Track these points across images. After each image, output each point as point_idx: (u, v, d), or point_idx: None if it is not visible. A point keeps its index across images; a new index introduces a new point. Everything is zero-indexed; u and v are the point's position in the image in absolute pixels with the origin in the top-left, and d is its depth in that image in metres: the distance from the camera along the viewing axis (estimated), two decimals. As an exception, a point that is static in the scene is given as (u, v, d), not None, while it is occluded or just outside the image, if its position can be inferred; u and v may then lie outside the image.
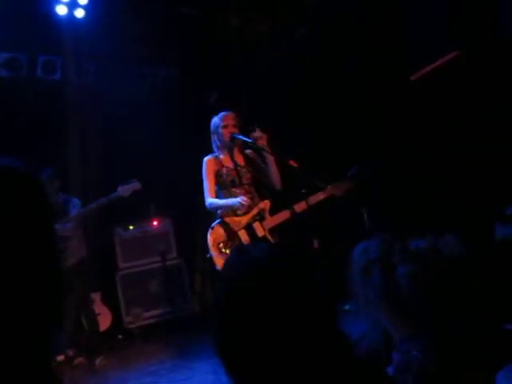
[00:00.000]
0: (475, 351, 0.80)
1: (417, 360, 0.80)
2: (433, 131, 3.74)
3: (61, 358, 4.29)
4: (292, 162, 3.27)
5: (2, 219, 0.74)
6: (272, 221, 3.45)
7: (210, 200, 3.46)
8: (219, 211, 3.49)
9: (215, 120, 3.54)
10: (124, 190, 4.15)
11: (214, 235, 3.43)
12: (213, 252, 3.42)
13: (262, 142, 3.41)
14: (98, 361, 4.24)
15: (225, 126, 3.46)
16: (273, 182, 3.53)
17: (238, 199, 3.30)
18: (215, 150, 3.58)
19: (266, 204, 3.49)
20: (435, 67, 3.67)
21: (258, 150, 3.51)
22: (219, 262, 3.39)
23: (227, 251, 3.39)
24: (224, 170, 3.50)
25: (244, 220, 3.42)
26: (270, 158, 3.46)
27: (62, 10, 4.73)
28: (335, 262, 2.10)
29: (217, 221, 3.48)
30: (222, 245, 3.41)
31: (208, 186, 3.48)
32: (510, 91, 3.37)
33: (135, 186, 4.19)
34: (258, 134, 3.41)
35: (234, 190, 3.47)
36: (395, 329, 0.88)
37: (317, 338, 0.72)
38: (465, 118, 3.54)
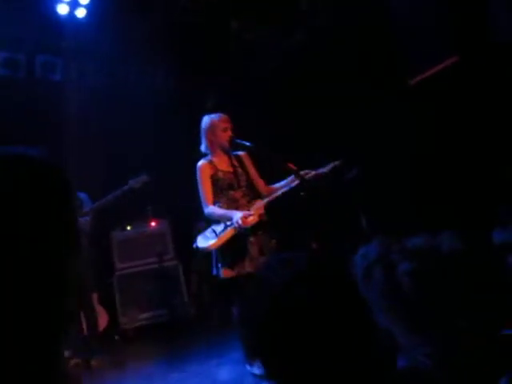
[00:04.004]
0: (482, 356, 0.79)
1: (424, 366, 0.80)
2: (432, 133, 3.76)
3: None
4: (291, 165, 3.26)
5: (23, 215, 0.65)
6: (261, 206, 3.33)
7: (210, 208, 3.33)
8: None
9: (211, 120, 3.42)
10: (134, 183, 4.41)
11: None
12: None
13: None
14: (93, 362, 4.22)
15: (224, 129, 3.37)
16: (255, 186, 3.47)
17: (239, 214, 3.16)
18: (205, 149, 3.46)
19: (261, 208, 3.33)
20: (434, 72, 3.69)
21: (255, 153, 3.48)
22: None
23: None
24: (220, 174, 3.38)
25: None
26: (248, 163, 3.47)
27: (63, 9, 4.71)
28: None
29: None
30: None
31: (205, 192, 3.35)
32: (506, 93, 3.39)
33: (144, 178, 4.47)
34: None
35: (232, 192, 3.37)
36: (401, 333, 0.87)
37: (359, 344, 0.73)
38: (464, 121, 3.56)
